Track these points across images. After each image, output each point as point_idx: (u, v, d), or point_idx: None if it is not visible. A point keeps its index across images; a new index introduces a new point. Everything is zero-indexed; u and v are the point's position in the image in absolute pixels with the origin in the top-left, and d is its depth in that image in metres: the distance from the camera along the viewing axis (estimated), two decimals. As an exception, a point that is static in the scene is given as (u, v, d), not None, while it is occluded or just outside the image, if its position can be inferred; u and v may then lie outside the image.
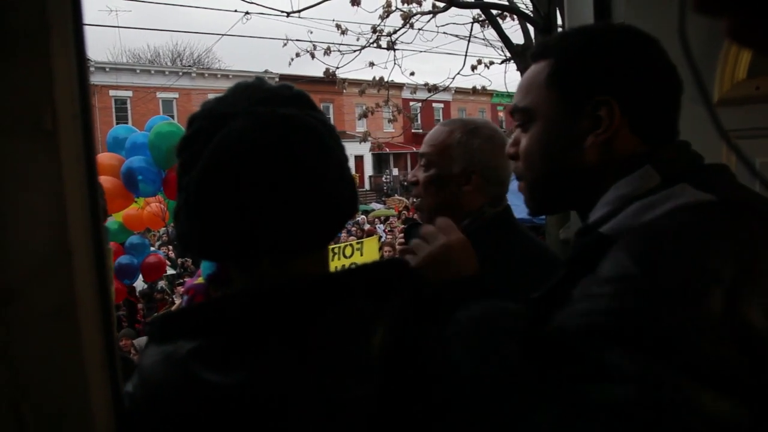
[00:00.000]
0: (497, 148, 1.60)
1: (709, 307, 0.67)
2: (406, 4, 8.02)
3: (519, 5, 6.92)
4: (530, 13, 6.38)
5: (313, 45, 8.80)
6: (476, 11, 7.74)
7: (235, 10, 7.79)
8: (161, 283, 10.18)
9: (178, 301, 8.60)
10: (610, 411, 0.64)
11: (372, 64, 9.16)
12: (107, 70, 27.09)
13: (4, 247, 0.47)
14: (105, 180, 5.16)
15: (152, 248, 8.97)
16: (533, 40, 6.63)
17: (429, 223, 1.72)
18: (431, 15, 8.05)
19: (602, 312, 0.71)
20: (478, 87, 9.96)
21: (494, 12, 7.18)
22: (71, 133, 0.50)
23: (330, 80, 9.07)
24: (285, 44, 8.90)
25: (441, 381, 0.82)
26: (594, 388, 0.66)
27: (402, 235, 2.33)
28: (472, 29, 8.31)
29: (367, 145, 13.67)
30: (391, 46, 8.48)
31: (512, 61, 7.34)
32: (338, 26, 8.46)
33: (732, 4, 0.36)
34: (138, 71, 28.57)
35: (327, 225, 0.85)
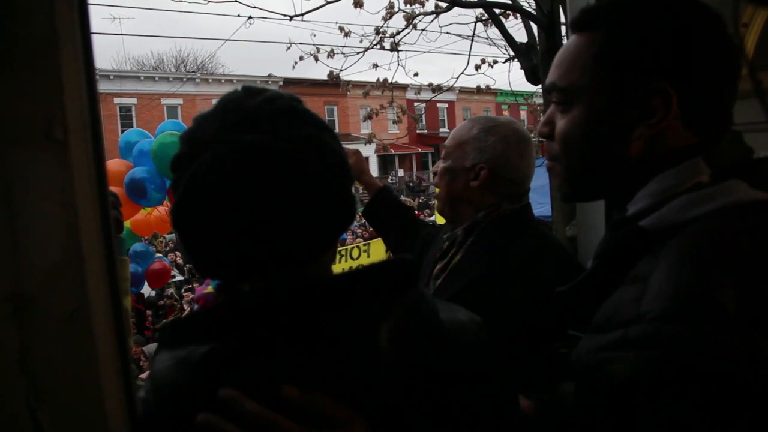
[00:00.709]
0: (511, 148, 1.62)
1: None
2: (408, 5, 8.02)
3: (522, 4, 6.90)
4: (533, 11, 6.36)
5: (317, 48, 8.81)
6: (479, 10, 7.73)
7: (238, 15, 7.80)
8: (170, 290, 10.21)
9: (188, 308, 8.62)
10: None
11: (376, 66, 9.17)
12: (111, 78, 27.25)
13: (18, 254, 0.48)
14: (116, 189, 5.19)
15: (159, 255, 9.00)
16: (536, 39, 6.62)
17: (442, 212, 1.77)
18: (434, 15, 8.04)
19: (660, 348, 0.65)
20: (482, 86, 9.94)
21: (497, 11, 7.17)
22: (82, 142, 0.51)
23: (334, 83, 9.08)
24: (288, 48, 8.91)
25: (444, 379, 0.83)
26: None
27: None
28: (475, 29, 8.30)
29: (372, 147, 13.68)
30: (394, 48, 8.48)
31: (516, 59, 7.32)
32: (341, 29, 8.47)
33: None
34: (142, 78, 28.72)
35: (309, 243, 0.82)
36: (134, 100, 27.94)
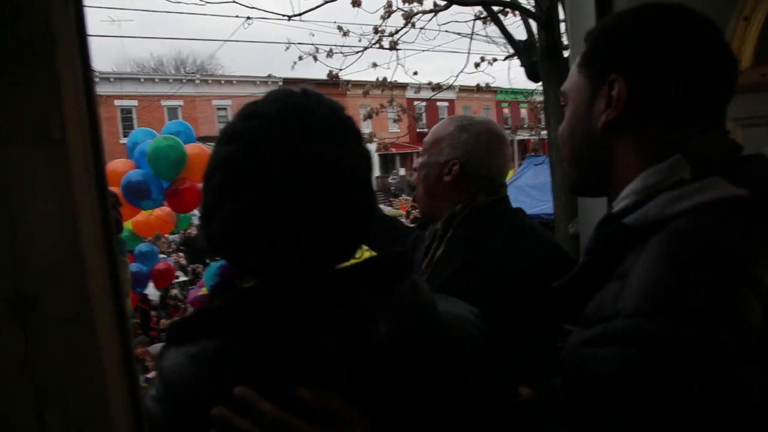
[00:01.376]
0: (483, 146, 1.68)
1: (750, 323, 0.63)
2: (407, 4, 8.02)
3: (520, 1, 6.90)
4: (532, 9, 6.36)
5: (316, 48, 8.83)
6: (477, 8, 7.73)
7: (236, 16, 7.84)
8: (174, 291, 10.24)
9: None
10: None
11: (375, 65, 9.18)
12: (112, 80, 27.31)
13: (18, 255, 0.47)
14: (118, 189, 5.19)
15: (163, 255, 9.02)
16: (535, 36, 6.62)
17: (425, 214, 1.81)
18: (433, 14, 8.05)
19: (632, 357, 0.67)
20: (482, 84, 9.95)
21: (495, 8, 7.17)
22: (80, 141, 0.51)
23: (333, 82, 9.09)
24: (287, 48, 8.93)
25: (446, 369, 0.83)
26: None
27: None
28: (474, 26, 8.31)
29: (372, 146, 13.69)
30: (393, 46, 8.49)
31: (515, 57, 7.32)
32: (340, 28, 8.48)
33: None
34: (142, 80, 28.75)
35: (355, 247, 0.90)
36: (135, 102, 27.97)
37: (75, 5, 0.51)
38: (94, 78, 0.54)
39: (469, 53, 8.57)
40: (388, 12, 8.22)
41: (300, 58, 8.91)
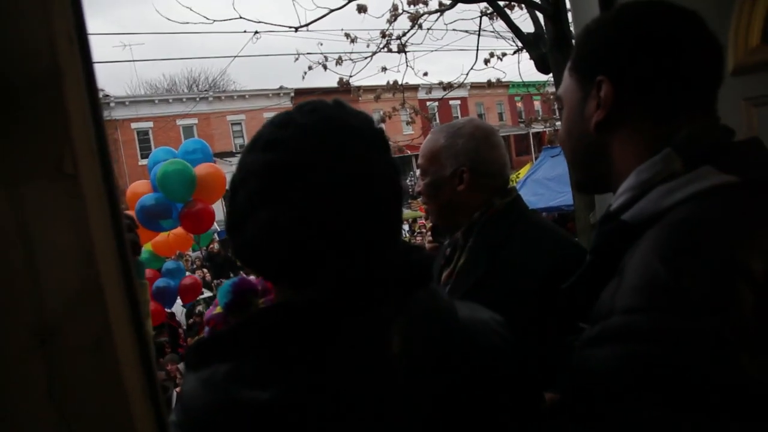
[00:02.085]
0: (481, 143, 1.68)
1: (742, 311, 0.63)
2: (412, 6, 8.02)
3: (525, -6, 6.86)
4: (538, 1, 6.32)
5: (325, 56, 8.87)
6: (483, 4, 7.70)
7: (244, 31, 7.88)
8: (199, 308, 10.34)
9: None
10: None
11: (384, 69, 9.19)
12: (127, 104, 27.66)
13: (37, 287, 0.49)
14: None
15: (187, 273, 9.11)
16: (543, 28, 6.58)
17: (439, 226, 1.80)
18: (439, 13, 8.04)
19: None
20: (493, 80, 9.90)
21: (501, 3, 7.14)
22: (92, 171, 0.52)
23: (344, 89, 9.12)
24: (297, 59, 8.98)
25: (472, 379, 0.83)
26: None
27: (430, 234, 2.37)
28: (481, 23, 8.28)
29: (387, 150, 13.66)
30: (401, 49, 8.49)
31: (524, 50, 7.28)
32: (347, 35, 8.50)
33: None
34: (156, 102, 29.07)
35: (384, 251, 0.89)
36: (150, 124, 28.28)
37: (80, 42, 0.52)
38: (102, 110, 0.55)
39: (477, 50, 8.55)
40: (394, 15, 8.23)
41: (309, 67, 8.96)
